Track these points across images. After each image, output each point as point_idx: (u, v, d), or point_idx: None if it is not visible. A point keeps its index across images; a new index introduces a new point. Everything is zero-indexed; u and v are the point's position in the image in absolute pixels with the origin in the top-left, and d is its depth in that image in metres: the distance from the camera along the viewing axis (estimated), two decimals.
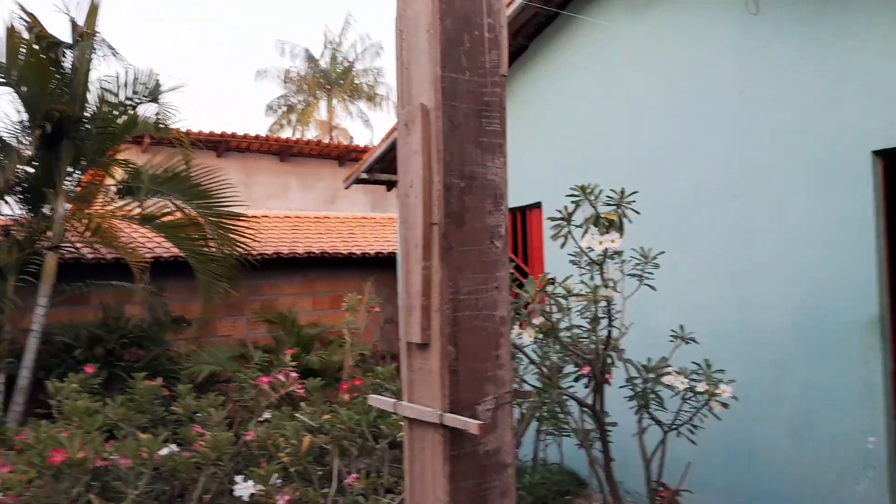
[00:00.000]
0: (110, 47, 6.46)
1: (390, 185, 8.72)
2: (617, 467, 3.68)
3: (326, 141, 19.99)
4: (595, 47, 5.81)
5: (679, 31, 5.20)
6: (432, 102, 2.03)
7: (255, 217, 8.54)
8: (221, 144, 12.35)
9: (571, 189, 3.00)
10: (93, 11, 6.49)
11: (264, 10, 52.50)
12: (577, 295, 2.99)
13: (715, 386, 3.13)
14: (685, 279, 4.80)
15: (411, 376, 2.08)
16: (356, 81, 28.42)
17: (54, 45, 6.14)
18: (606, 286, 3.06)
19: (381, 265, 9.63)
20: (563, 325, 3.13)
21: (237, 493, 2.99)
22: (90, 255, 7.31)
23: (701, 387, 3.16)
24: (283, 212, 12.57)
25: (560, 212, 3.04)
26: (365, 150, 14.13)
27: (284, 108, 28.47)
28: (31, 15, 6.22)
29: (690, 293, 4.82)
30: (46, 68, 6.19)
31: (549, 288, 3.03)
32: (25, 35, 6.11)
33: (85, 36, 6.22)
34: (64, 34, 6.67)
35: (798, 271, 4.38)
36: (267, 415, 4.45)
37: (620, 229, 2.91)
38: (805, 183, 4.36)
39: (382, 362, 9.19)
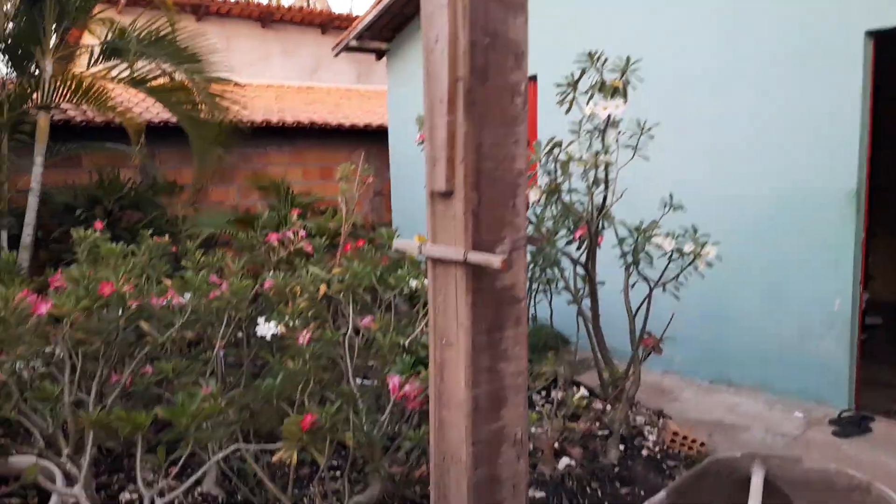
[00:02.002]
0: None
1: (379, 53, 8.60)
2: (602, 324, 4.03)
3: (301, 7, 19.18)
4: None
5: None
6: None
7: (241, 85, 8.44)
8: (201, 8, 11.88)
9: (578, 55, 3.11)
10: None
11: None
12: (579, 160, 3.18)
13: (701, 247, 3.41)
14: (671, 158, 5.00)
15: (434, 222, 2.29)
16: None
17: None
18: (606, 152, 3.25)
19: (370, 137, 9.67)
20: (564, 187, 3.34)
21: (259, 332, 3.26)
22: (79, 119, 7.26)
23: (688, 247, 3.43)
24: (264, 80, 12.33)
25: (566, 78, 3.16)
26: (349, 17, 13.66)
27: None
28: None
29: (675, 170, 5.03)
30: None
31: (555, 151, 3.21)
32: None
33: None
34: None
35: (779, 151, 4.60)
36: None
37: (625, 96, 3.05)
38: (793, 65, 4.48)
39: (373, 232, 9.46)
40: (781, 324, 4.67)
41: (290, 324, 3.21)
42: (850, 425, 4.17)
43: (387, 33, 8.09)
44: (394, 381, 2.74)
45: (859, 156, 4.21)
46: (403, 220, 8.49)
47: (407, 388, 2.71)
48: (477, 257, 2.06)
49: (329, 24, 13.52)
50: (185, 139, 7.47)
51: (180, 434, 2.07)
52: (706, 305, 4.89)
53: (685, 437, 3.93)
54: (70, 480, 2.60)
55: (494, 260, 2.00)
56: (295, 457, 2.21)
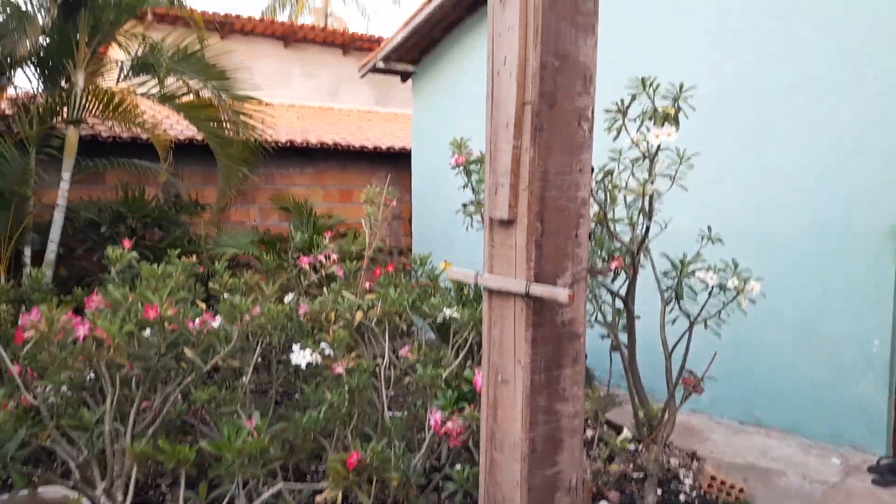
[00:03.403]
0: None
1: (404, 75, 8.59)
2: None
3: (324, 26, 19.35)
4: None
5: None
6: None
7: (264, 104, 8.45)
8: (226, 26, 11.97)
9: (630, 80, 3.04)
10: None
11: None
12: (627, 188, 3.10)
13: (744, 282, 3.31)
14: (704, 183, 4.89)
15: (493, 251, 2.21)
16: None
17: None
18: (653, 182, 3.17)
19: (391, 160, 9.65)
20: (609, 216, 3.26)
21: (294, 361, 3.17)
22: (105, 134, 7.26)
23: (731, 283, 3.33)
24: (285, 100, 12.38)
25: (616, 104, 3.10)
26: (370, 38, 13.75)
27: None
28: None
29: (709, 196, 4.94)
30: None
31: (605, 180, 3.13)
32: None
33: None
34: None
35: (818, 179, 4.51)
36: (288, 298, 4.65)
37: (677, 123, 2.98)
38: (832, 90, 4.40)
39: (391, 257, 9.39)
40: (815, 364, 4.54)
41: (328, 352, 3.12)
42: (891, 473, 4.02)
43: (413, 55, 8.09)
44: (436, 416, 2.64)
45: None
46: (424, 244, 8.42)
47: (449, 424, 2.60)
48: (541, 290, 1.97)
49: (350, 44, 13.60)
50: (208, 157, 7.46)
51: (227, 468, 1.97)
52: (736, 342, 4.76)
53: (723, 483, 3.79)
54: None
55: (561, 293, 1.91)
56: (340, 498, 2.11)
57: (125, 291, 2.45)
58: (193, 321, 2.98)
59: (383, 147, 9.44)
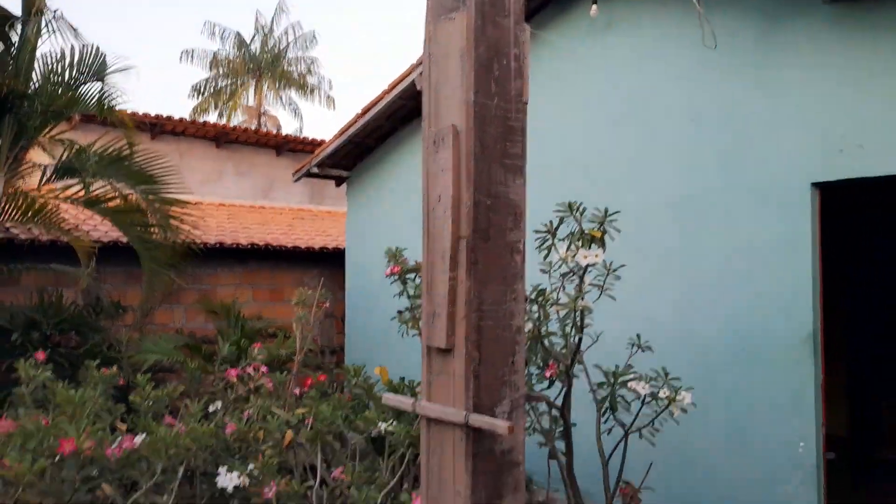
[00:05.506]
0: (70, 25, 6.21)
1: (339, 180, 8.73)
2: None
3: (256, 128, 19.61)
4: (555, 63, 6.03)
5: (636, 55, 5.52)
6: (463, 125, 2.15)
7: (193, 204, 8.36)
8: (156, 127, 11.96)
9: (558, 205, 3.21)
10: None
11: None
12: (559, 304, 3.20)
13: (675, 392, 3.41)
14: (631, 292, 5.09)
15: (430, 378, 2.21)
16: (288, 69, 27.94)
17: (3, 17, 5.84)
18: (582, 298, 3.29)
19: (323, 260, 9.62)
20: (542, 331, 3.34)
21: (221, 484, 3.02)
22: (23, 237, 6.98)
23: (662, 393, 3.43)
24: (217, 198, 12.29)
25: (545, 225, 3.24)
26: (303, 140, 14.00)
27: (211, 91, 27.63)
28: None
29: (636, 305, 5.12)
30: None
31: (539, 298, 3.23)
32: None
33: (35, 11, 5.95)
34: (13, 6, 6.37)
35: (736, 289, 4.77)
36: (214, 406, 4.46)
37: (602, 245, 3.14)
38: (747, 208, 4.75)
39: (322, 357, 9.20)
40: (747, 468, 4.64)
41: (256, 475, 2.99)
42: None
43: (347, 162, 8.27)
44: None
45: (812, 300, 4.39)
46: (358, 344, 8.31)
47: None
48: (480, 421, 1.97)
49: (283, 146, 13.79)
50: (131, 258, 7.24)
51: None
52: (668, 449, 4.83)
53: None
54: None
55: (500, 425, 1.92)
56: None
57: (38, 422, 2.30)
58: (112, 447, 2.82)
59: (316, 248, 9.44)
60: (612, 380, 3.47)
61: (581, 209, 3.18)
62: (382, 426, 3.49)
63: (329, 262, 9.55)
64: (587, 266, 3.20)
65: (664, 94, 5.27)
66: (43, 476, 2.14)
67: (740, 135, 4.80)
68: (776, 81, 4.64)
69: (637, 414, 3.63)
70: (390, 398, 2.38)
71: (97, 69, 6.80)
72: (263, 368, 4.21)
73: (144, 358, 6.21)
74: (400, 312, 4.52)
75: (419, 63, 6.74)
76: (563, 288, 3.51)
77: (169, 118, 11.84)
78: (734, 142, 4.83)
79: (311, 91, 27.68)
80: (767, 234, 4.62)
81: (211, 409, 4.44)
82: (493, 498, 2.08)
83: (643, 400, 3.59)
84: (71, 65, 6.42)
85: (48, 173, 6.68)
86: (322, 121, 36.17)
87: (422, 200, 2.28)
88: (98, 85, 6.96)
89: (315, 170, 8.23)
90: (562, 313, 3.32)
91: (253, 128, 16.42)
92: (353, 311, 8.53)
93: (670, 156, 5.20)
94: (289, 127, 28.58)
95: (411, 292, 4.43)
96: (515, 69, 2.27)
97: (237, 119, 26.93)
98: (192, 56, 26.53)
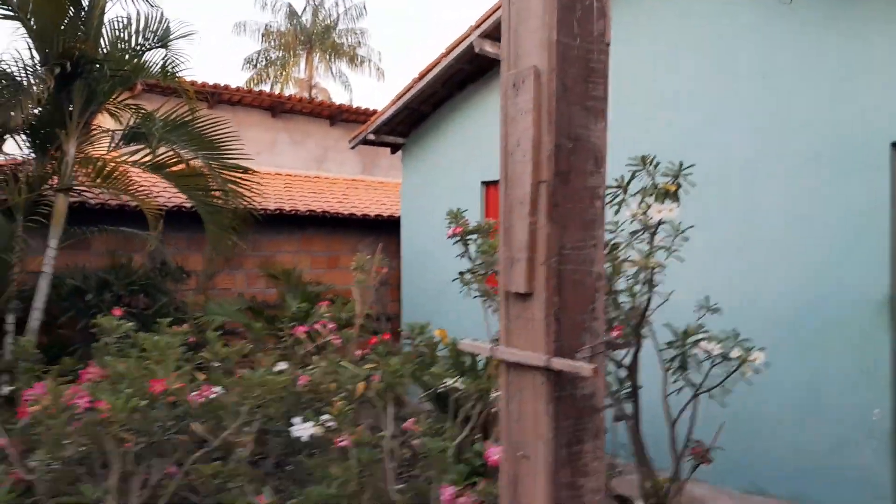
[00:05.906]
0: None
1: (394, 147, 8.74)
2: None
3: (311, 98, 19.75)
4: (626, 21, 5.85)
5: (709, 13, 5.32)
6: (545, 65, 2.11)
7: (252, 171, 8.50)
8: (214, 96, 12.16)
9: (630, 159, 3.14)
10: None
11: None
12: (630, 261, 3.15)
13: (748, 352, 3.33)
14: (700, 255, 4.99)
15: (509, 324, 2.20)
16: (338, 41, 28.02)
17: None
18: (653, 255, 3.22)
19: (377, 227, 9.70)
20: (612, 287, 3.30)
21: (295, 433, 3.09)
22: (93, 201, 7.22)
23: (734, 353, 3.35)
24: (272, 167, 12.48)
25: (616, 181, 3.18)
26: (356, 110, 14.04)
27: (263, 63, 27.94)
28: None
29: (704, 268, 5.01)
30: (62, 2, 6.04)
31: (613, 253, 3.18)
32: None
33: None
34: None
35: (807, 252, 4.61)
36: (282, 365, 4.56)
37: (676, 199, 3.06)
38: (821, 169, 4.57)
39: (377, 323, 9.31)
40: (817, 433, 4.53)
41: (331, 425, 3.05)
42: None
43: (403, 129, 8.27)
44: (447, 491, 2.57)
45: (891, 263, 4.22)
46: (413, 311, 8.38)
47: (462, 500, 2.53)
48: (563, 364, 1.96)
49: (337, 116, 13.87)
50: (194, 224, 7.43)
51: None
52: (736, 411, 4.74)
53: None
54: None
55: (585, 367, 1.91)
56: None
57: (130, 363, 2.39)
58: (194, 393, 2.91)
59: (371, 215, 9.50)
60: (683, 339, 3.40)
61: (654, 163, 3.10)
62: (450, 382, 3.51)
63: (383, 230, 9.62)
64: (659, 222, 3.13)
65: (738, 51, 5.08)
66: (135, 414, 2.22)
67: (814, 92, 4.60)
68: (855, 35, 4.42)
69: (707, 374, 3.56)
70: (467, 344, 2.39)
71: (162, 35, 6.92)
72: (331, 325, 4.29)
73: (211, 319, 6.38)
74: (461, 273, 4.53)
75: (477, 25, 6.65)
76: (633, 247, 3.45)
77: (226, 87, 12.02)
78: (808, 100, 4.63)
79: (361, 63, 27.71)
80: (842, 196, 4.44)
81: (276, 369, 4.56)
82: (574, 443, 2.07)
83: (713, 361, 3.52)
84: (137, 31, 6.56)
85: (116, 139, 6.86)
86: (370, 94, 36.20)
87: (499, 146, 2.25)
88: (162, 52, 7.09)
89: (371, 136, 8.26)
90: (631, 271, 3.26)
91: (308, 98, 16.54)
92: (409, 277, 8.60)
93: (743, 114, 5.02)
94: (339, 99, 28.73)
95: (473, 254, 4.43)
96: (598, 9, 2.21)
97: (289, 91, 27.24)
98: (244, 28, 26.85)
